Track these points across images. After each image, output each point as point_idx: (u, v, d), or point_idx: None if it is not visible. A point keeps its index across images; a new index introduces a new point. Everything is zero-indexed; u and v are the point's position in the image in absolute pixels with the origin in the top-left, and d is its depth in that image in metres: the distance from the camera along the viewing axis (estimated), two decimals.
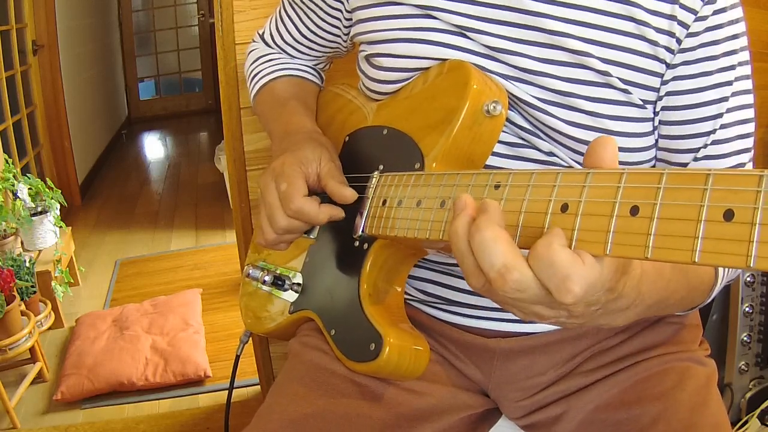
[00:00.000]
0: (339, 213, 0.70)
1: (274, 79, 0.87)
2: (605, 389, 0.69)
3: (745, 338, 1.30)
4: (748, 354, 1.31)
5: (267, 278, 0.77)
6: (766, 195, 0.32)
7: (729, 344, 1.32)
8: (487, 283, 0.44)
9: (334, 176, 0.70)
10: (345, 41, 0.83)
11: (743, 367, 1.31)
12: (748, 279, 1.28)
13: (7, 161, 2.42)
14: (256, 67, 0.89)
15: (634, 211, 0.38)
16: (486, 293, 0.46)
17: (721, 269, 0.62)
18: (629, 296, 0.45)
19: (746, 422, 1.29)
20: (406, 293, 0.78)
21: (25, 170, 3.02)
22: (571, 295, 0.39)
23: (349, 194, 0.68)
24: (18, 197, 2.24)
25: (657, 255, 0.36)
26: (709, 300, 0.64)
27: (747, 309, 1.29)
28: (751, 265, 0.32)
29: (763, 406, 1.28)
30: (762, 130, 1.36)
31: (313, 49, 0.87)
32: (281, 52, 0.90)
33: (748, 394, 1.32)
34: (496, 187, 0.48)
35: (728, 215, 0.33)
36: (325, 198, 0.71)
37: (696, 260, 0.34)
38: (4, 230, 2.19)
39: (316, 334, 0.75)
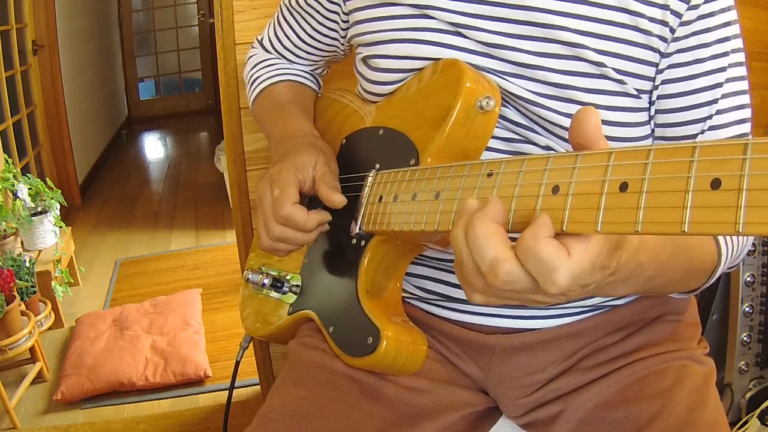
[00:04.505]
0: (326, 217, 0.72)
1: (272, 83, 0.88)
2: (604, 387, 0.69)
3: (745, 338, 1.30)
4: (748, 354, 1.31)
5: (266, 281, 0.78)
6: (752, 162, 0.32)
7: (729, 344, 1.32)
8: (484, 285, 0.44)
9: (326, 181, 0.71)
10: (343, 44, 0.83)
11: (743, 367, 1.31)
12: (748, 279, 1.28)
13: (7, 161, 2.42)
14: (255, 72, 0.90)
15: (623, 187, 0.38)
16: (484, 296, 0.46)
17: (724, 248, 0.62)
18: (626, 268, 0.46)
19: (746, 422, 1.29)
20: (404, 291, 0.79)
21: (25, 170, 3.02)
22: (556, 287, 0.41)
23: (338, 200, 0.70)
24: (18, 197, 2.24)
25: (647, 228, 0.37)
26: (714, 279, 0.64)
27: (747, 309, 1.29)
28: (740, 231, 0.32)
29: (763, 406, 1.28)
30: (762, 130, 1.36)
31: (311, 54, 0.88)
32: (280, 57, 0.91)
33: (748, 394, 1.32)
34: (489, 175, 0.49)
35: (715, 184, 0.34)
36: (321, 203, 0.72)
37: (686, 230, 0.35)
38: (4, 230, 2.19)
39: (315, 334, 0.75)
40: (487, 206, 0.44)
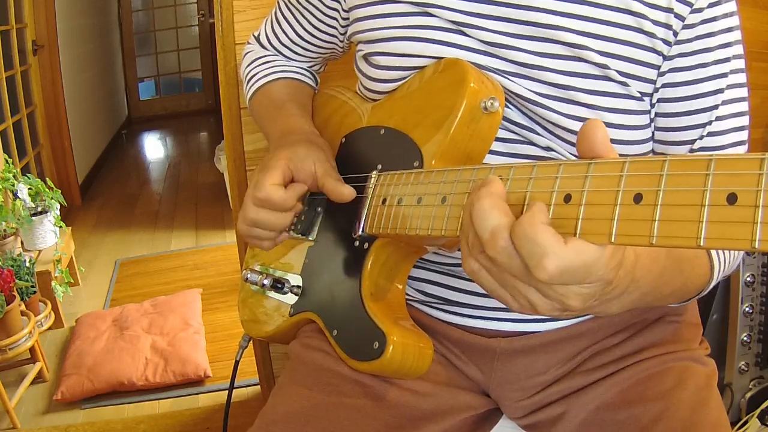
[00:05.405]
0: (302, 189, 0.70)
1: (270, 81, 0.87)
2: (606, 389, 0.69)
3: (745, 338, 1.30)
4: (748, 354, 1.31)
5: (266, 282, 0.77)
6: None
7: (729, 344, 1.32)
8: (485, 261, 0.44)
9: (331, 175, 0.70)
10: (341, 41, 0.83)
11: (743, 367, 1.31)
12: (748, 279, 1.28)
13: (7, 161, 2.42)
14: (252, 69, 0.89)
15: (638, 198, 0.38)
16: (478, 277, 0.46)
17: (716, 261, 0.62)
18: (623, 283, 0.46)
19: (746, 422, 1.29)
20: (406, 294, 0.78)
21: (25, 170, 3.02)
22: (545, 273, 0.40)
23: (347, 192, 0.68)
24: (18, 197, 2.24)
25: (662, 242, 0.36)
26: (707, 291, 0.64)
27: (747, 309, 1.29)
28: (756, 247, 0.32)
29: (763, 406, 1.28)
30: (762, 130, 1.36)
31: (309, 51, 0.87)
32: (277, 54, 0.90)
33: (748, 394, 1.32)
34: None
35: (731, 199, 0.34)
36: (323, 200, 0.71)
37: (701, 244, 0.34)
38: (4, 230, 2.19)
39: (317, 336, 0.75)
40: (491, 183, 0.44)
